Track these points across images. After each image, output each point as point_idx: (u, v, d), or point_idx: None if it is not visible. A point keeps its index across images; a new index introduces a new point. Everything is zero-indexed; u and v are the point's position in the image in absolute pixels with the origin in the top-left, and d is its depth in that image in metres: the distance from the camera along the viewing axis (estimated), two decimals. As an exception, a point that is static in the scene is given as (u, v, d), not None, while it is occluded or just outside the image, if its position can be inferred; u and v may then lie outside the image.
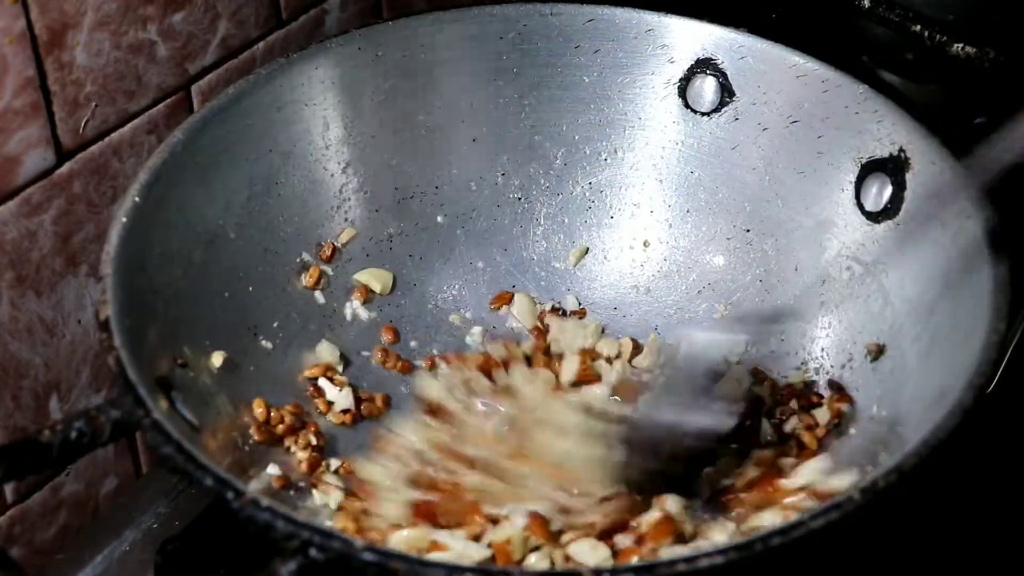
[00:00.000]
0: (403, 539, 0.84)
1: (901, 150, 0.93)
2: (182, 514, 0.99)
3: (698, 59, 1.02)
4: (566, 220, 1.06)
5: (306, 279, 0.99)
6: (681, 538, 0.84)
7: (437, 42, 1.01)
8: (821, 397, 0.95)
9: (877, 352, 0.92)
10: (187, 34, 1.01)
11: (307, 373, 0.96)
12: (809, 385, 0.96)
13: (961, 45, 1.03)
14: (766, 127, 1.00)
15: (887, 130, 0.94)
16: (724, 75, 1.01)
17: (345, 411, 0.95)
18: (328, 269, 1.00)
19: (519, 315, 1.04)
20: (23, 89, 0.89)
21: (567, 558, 0.83)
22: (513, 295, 1.04)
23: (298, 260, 0.98)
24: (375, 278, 1.02)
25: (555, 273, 1.06)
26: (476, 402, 0.94)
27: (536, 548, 0.84)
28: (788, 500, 0.87)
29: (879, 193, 0.95)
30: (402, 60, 1.01)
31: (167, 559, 0.91)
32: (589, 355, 1.00)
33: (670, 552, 0.82)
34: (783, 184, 1.00)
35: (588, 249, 1.06)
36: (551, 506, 0.86)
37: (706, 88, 1.02)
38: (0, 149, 0.89)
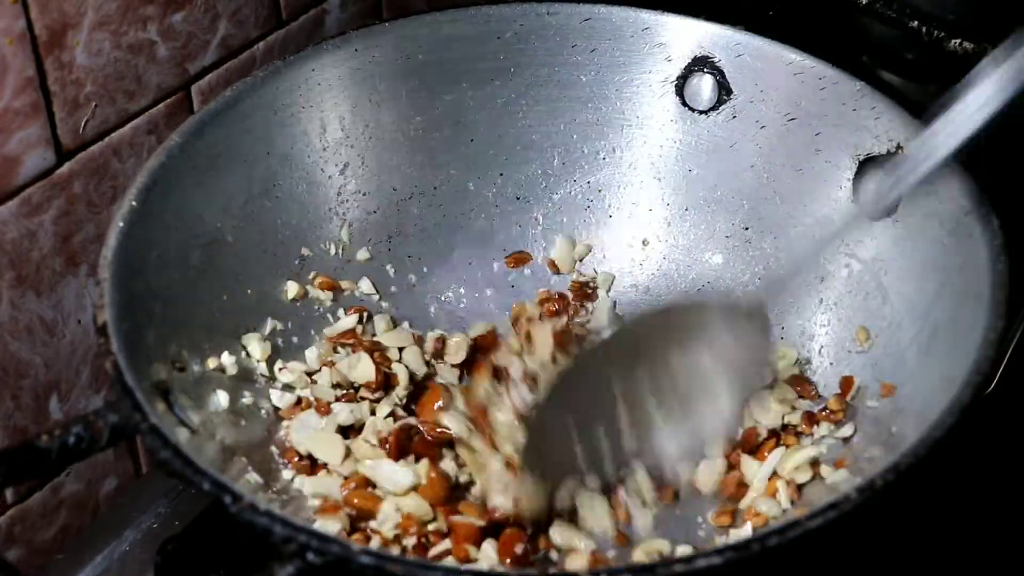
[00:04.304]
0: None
1: (899, 147, 0.93)
2: (182, 514, 0.99)
3: (695, 57, 1.02)
4: (565, 219, 1.06)
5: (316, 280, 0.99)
6: None
7: (434, 43, 1.01)
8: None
9: (864, 337, 0.93)
10: (187, 34, 1.01)
11: None
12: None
13: (959, 40, 1.03)
14: (764, 125, 1.00)
15: (884, 127, 0.94)
16: (721, 73, 1.01)
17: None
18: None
19: (558, 260, 1.05)
20: (23, 89, 0.89)
21: None
22: (531, 256, 1.05)
23: (297, 262, 0.98)
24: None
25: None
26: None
27: None
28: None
29: (877, 190, 0.95)
30: (399, 61, 1.01)
31: (167, 559, 0.91)
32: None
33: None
34: (781, 182, 1.00)
35: (588, 248, 1.06)
36: None
37: (703, 86, 1.02)
38: (0, 149, 0.89)
